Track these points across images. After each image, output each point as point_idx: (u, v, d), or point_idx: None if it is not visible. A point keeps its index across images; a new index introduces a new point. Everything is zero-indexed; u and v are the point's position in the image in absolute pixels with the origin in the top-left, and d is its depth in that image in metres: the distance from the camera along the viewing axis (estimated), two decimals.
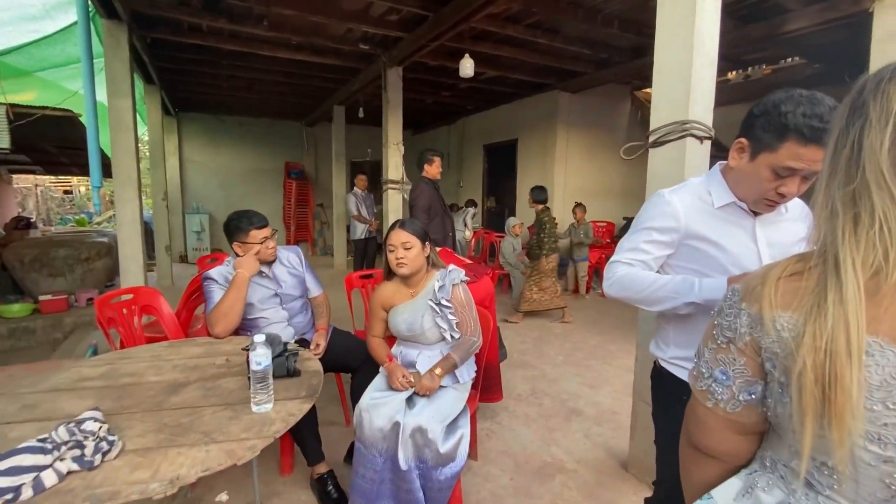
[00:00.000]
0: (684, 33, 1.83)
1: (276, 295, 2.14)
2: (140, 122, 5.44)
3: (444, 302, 1.76)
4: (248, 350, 1.63)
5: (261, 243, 2.04)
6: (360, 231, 5.94)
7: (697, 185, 1.15)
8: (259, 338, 1.36)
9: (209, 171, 9.01)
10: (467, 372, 1.84)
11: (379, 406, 1.67)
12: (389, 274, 1.92)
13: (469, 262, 2.91)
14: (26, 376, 2.37)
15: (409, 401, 1.69)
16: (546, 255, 4.48)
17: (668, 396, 1.18)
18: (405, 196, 5.31)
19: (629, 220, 6.37)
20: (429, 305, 1.79)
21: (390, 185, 5.18)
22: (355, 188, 6.12)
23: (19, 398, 1.38)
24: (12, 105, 4.11)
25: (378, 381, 1.83)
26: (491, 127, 7.81)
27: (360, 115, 7.24)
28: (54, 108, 4.37)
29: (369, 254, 6.13)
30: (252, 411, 1.31)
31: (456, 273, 1.82)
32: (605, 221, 6.61)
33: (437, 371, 1.73)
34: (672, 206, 1.11)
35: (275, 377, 1.50)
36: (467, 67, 4.08)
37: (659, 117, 1.98)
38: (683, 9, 1.82)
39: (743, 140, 1.00)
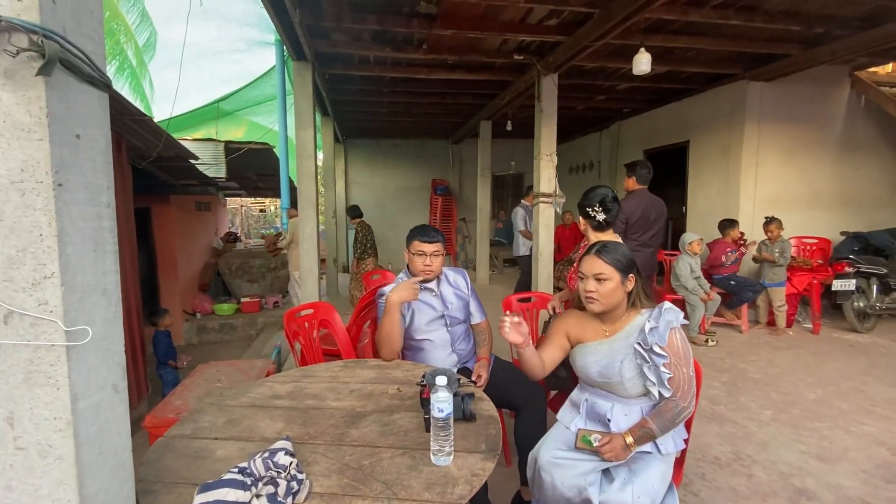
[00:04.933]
0: None
1: (443, 317, 2.04)
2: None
3: (656, 349, 1.37)
4: (422, 385, 1.52)
5: (415, 254, 1.98)
6: (523, 247, 5.69)
7: None
8: (441, 379, 1.21)
9: (368, 191, 9.92)
10: (673, 441, 1.43)
11: (563, 468, 1.40)
12: (580, 303, 1.58)
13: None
14: (228, 373, 2.72)
15: (606, 472, 1.37)
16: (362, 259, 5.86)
17: None
18: (558, 210, 4.97)
19: (850, 236, 4.95)
20: (634, 349, 1.42)
21: (542, 199, 4.89)
22: (524, 202, 5.89)
23: (226, 411, 1.49)
24: (227, 142, 5.04)
25: (558, 432, 1.55)
26: (654, 129, 6.95)
27: (508, 128, 7.12)
28: (255, 143, 5.24)
29: None
30: (431, 462, 1.17)
31: (673, 314, 1.41)
32: (816, 238, 5.20)
33: (629, 440, 1.37)
34: None
35: None
36: (643, 63, 3.57)
37: None
38: None
39: None
